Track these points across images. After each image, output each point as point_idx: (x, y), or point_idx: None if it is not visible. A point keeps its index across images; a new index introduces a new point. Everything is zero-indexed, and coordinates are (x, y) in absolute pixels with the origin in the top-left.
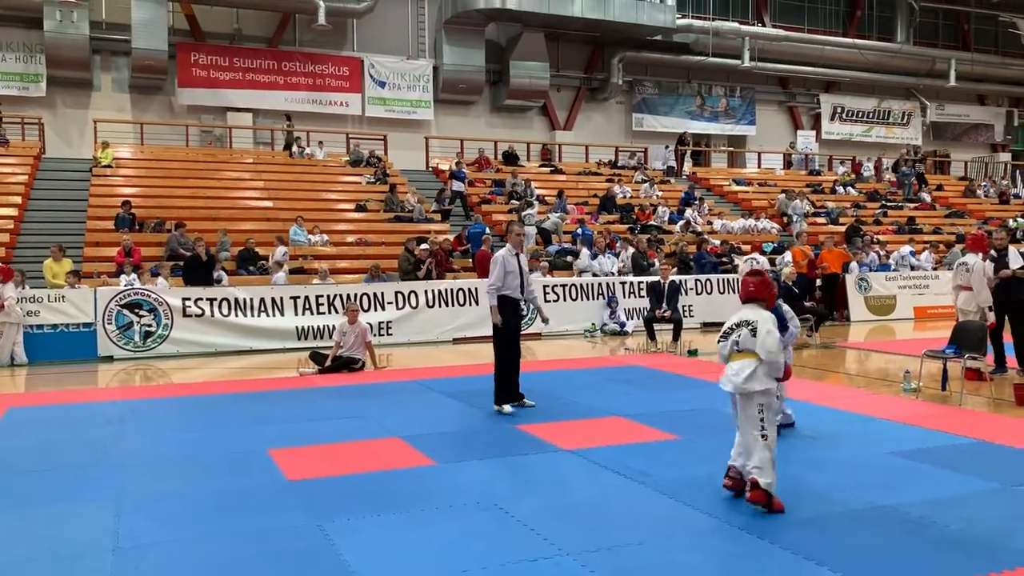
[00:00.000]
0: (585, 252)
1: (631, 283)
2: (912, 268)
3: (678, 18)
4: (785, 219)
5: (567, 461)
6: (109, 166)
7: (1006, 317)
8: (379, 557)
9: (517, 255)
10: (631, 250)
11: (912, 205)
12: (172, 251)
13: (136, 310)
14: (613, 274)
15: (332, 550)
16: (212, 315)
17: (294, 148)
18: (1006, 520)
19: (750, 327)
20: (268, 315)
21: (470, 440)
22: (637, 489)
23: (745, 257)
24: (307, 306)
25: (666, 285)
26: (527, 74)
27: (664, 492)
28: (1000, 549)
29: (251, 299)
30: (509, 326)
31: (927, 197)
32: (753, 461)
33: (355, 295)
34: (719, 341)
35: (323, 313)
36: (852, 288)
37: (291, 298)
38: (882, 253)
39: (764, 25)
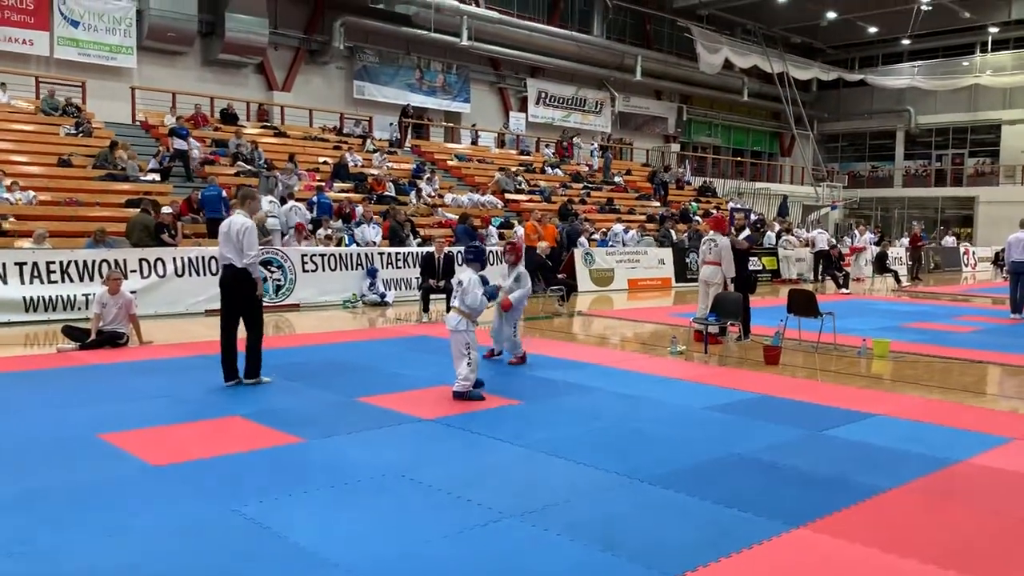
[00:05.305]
0: (339, 224)
1: (390, 254)
2: (624, 244)
3: None
4: (507, 195)
5: (435, 431)
6: None
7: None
8: (329, 536)
9: None
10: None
11: (609, 187)
12: None
13: None
14: (374, 243)
15: (270, 534)
16: None
17: None
18: (836, 460)
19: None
20: None
21: (315, 415)
22: (522, 452)
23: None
24: (36, 273)
25: (442, 258)
26: (244, 28)
27: (549, 452)
28: (850, 484)
29: None
30: (243, 299)
31: (620, 180)
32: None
33: (93, 262)
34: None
35: (55, 282)
36: (579, 261)
37: (16, 264)
38: (596, 231)
39: (479, 6)
